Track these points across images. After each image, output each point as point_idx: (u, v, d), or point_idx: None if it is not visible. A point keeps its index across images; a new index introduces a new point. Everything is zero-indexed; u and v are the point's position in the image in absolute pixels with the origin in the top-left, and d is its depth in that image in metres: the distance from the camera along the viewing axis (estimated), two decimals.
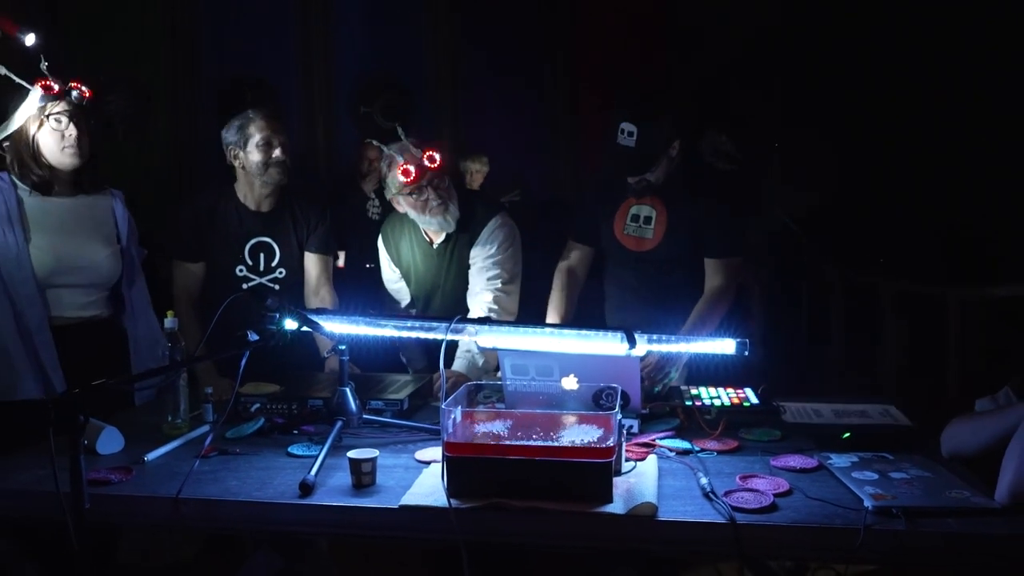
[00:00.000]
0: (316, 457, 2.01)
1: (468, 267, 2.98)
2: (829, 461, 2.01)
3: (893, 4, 4.66)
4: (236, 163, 2.87)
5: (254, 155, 2.83)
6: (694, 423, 2.34)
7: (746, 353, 2.00)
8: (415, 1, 6.65)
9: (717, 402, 2.54)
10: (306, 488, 1.88)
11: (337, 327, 2.13)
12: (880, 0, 4.71)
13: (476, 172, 5.67)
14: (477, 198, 3.22)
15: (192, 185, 6.31)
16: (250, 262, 2.90)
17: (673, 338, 2.07)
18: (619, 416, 1.86)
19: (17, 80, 2.48)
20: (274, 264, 2.94)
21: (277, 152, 2.83)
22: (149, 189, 5.59)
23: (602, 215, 2.98)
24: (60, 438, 1.60)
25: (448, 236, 2.97)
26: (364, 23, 6.77)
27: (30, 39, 2.59)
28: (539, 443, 1.81)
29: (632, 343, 2.00)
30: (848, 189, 4.55)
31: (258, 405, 2.45)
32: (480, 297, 2.92)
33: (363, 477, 1.92)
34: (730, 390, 2.66)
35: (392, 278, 3.13)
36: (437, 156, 2.80)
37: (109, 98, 6.20)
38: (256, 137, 2.82)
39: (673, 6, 5.71)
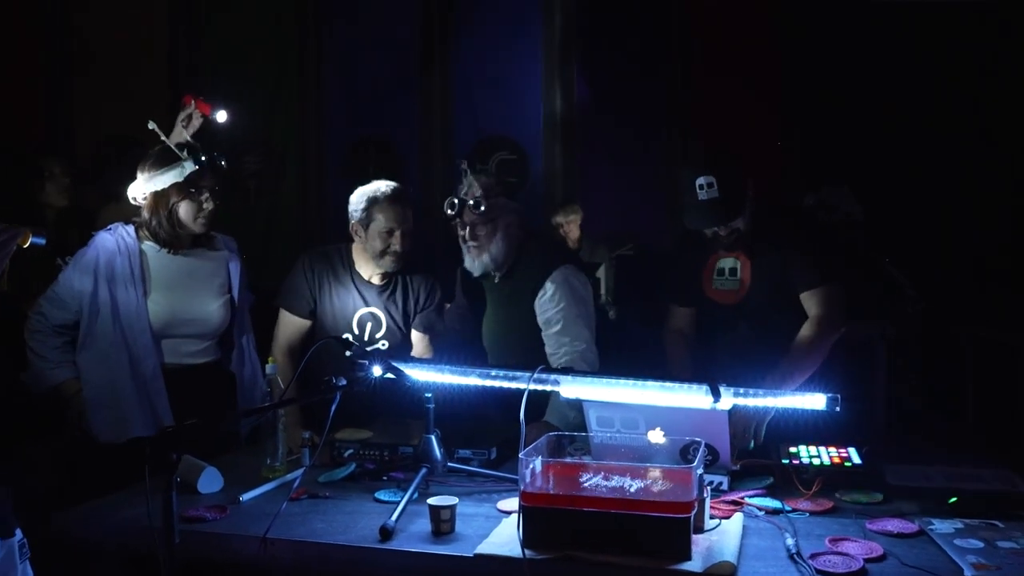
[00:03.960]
0: (399, 503, 2.04)
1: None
2: (931, 527, 1.89)
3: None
4: (355, 236, 2.91)
5: (374, 240, 2.85)
6: (789, 482, 2.25)
7: (837, 408, 1.91)
8: (532, 64, 6.80)
9: (816, 461, 2.44)
10: (386, 533, 1.91)
11: (423, 375, 2.17)
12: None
13: (568, 223, 5.54)
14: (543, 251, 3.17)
15: (318, 239, 6.60)
16: (356, 331, 2.95)
17: (760, 392, 2.01)
18: (700, 470, 1.81)
19: (175, 149, 2.68)
20: (379, 336, 2.96)
21: (396, 244, 2.84)
22: (277, 245, 5.89)
23: (692, 273, 2.94)
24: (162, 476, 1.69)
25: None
26: (482, 87, 6.94)
27: (222, 116, 2.93)
28: (615, 495, 1.78)
29: (716, 396, 1.95)
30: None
31: (351, 451, 2.51)
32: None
33: (442, 524, 1.94)
34: (832, 449, 2.55)
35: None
36: (483, 205, 2.87)
37: (246, 159, 6.59)
38: (379, 222, 2.83)
39: (787, 64, 5.63)
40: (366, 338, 2.95)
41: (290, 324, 2.97)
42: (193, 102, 2.86)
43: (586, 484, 1.86)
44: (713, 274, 2.90)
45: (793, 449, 2.56)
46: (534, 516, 1.81)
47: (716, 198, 2.70)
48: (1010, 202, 4.33)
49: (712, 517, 1.96)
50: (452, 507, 1.95)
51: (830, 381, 2.10)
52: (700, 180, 2.71)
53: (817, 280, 2.74)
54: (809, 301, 2.74)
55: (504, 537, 1.89)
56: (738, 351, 2.81)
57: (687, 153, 2.92)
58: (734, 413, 2.21)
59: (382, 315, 2.95)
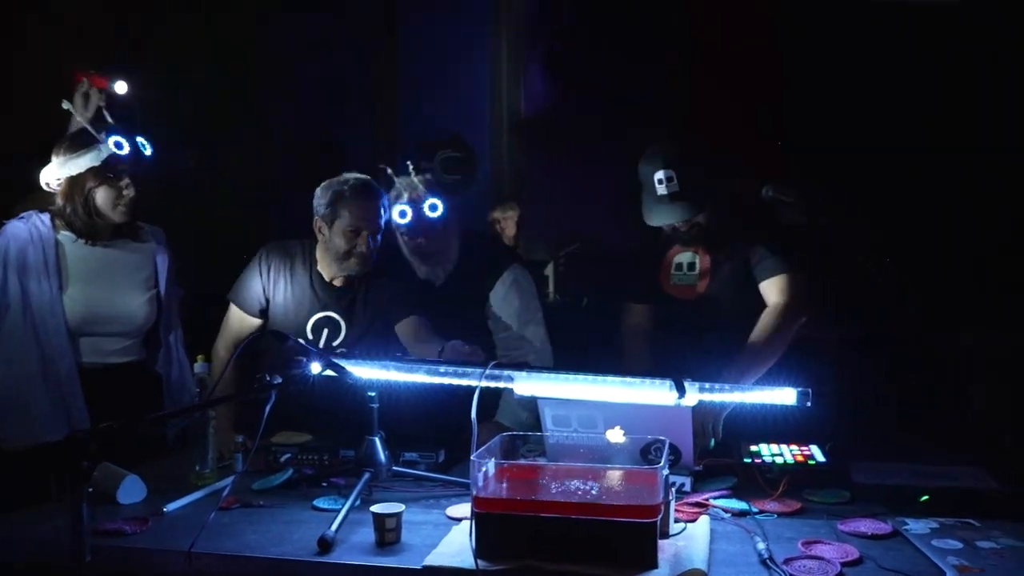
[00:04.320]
0: (340, 511, 1.87)
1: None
2: (905, 527, 1.79)
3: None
4: (319, 233, 2.65)
5: (338, 239, 2.58)
6: (753, 482, 2.14)
7: (808, 404, 1.81)
8: (480, 64, 6.65)
9: (779, 460, 2.34)
10: (325, 544, 1.74)
11: (366, 372, 2.01)
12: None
13: (505, 220, 5.39)
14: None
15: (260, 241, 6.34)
16: (311, 336, 2.67)
17: (726, 386, 1.89)
18: (666, 472, 1.68)
19: (91, 131, 2.47)
20: (337, 343, 2.68)
21: (363, 245, 2.57)
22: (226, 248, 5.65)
23: (649, 269, 2.84)
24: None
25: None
26: (429, 84, 6.77)
27: (121, 87, 2.66)
28: (576, 500, 1.65)
29: (681, 392, 1.83)
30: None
31: (288, 455, 2.34)
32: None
33: (387, 534, 1.78)
34: (794, 447, 2.46)
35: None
36: (440, 205, 2.69)
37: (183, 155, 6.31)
38: (345, 220, 2.56)
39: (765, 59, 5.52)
40: (322, 345, 2.71)
41: (238, 321, 2.74)
42: (86, 79, 2.61)
43: (543, 487, 1.72)
44: (671, 269, 2.80)
45: (754, 447, 2.46)
46: (487, 523, 1.67)
47: (676, 192, 2.60)
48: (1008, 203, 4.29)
49: (677, 520, 1.84)
50: (397, 515, 1.79)
51: (790, 378, 2.01)
52: (659, 174, 2.61)
53: (777, 268, 2.66)
54: (769, 289, 2.65)
55: (455, 546, 1.74)
56: (698, 347, 2.69)
57: (648, 148, 2.80)
58: (694, 410, 2.09)
59: (342, 322, 2.68)
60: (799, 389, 1.82)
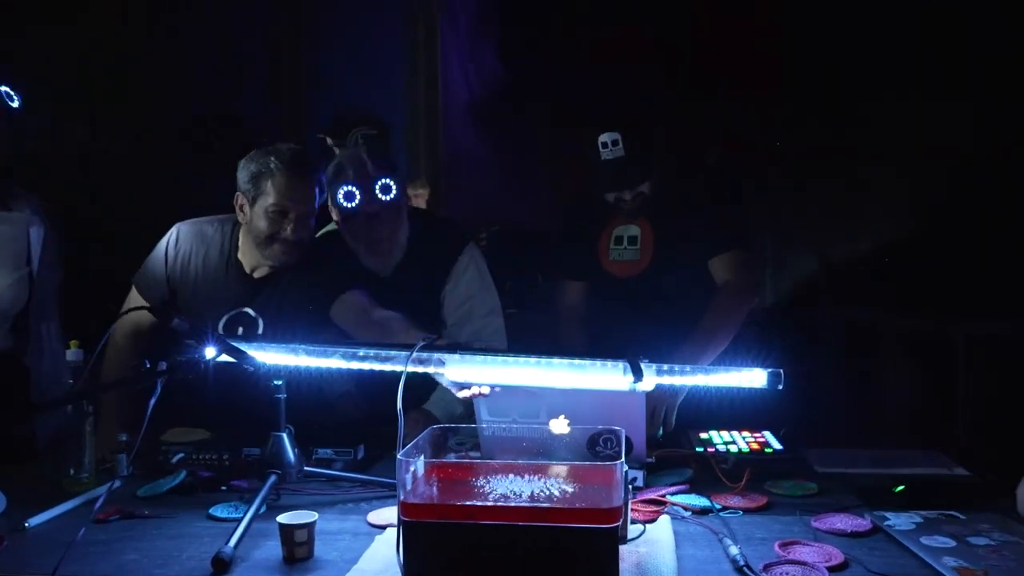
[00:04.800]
0: (240, 521, 1.58)
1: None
2: (887, 523, 1.60)
3: None
4: (239, 212, 2.28)
5: (260, 221, 2.21)
6: (708, 474, 1.94)
7: (780, 387, 1.60)
8: (393, 39, 6.31)
9: (733, 448, 2.15)
10: (220, 564, 1.45)
11: (271, 357, 1.72)
12: None
13: (415, 198, 5.11)
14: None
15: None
16: (222, 333, 2.27)
17: (688, 368, 1.67)
18: (625, 467, 1.45)
19: None
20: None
21: (289, 230, 2.20)
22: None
23: (586, 244, 2.61)
24: None
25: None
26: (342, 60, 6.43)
27: None
28: (520, 503, 1.40)
29: (637, 375, 1.60)
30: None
31: (182, 455, 2.03)
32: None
33: (296, 548, 1.50)
34: (746, 433, 2.27)
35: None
36: (394, 187, 2.35)
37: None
38: (269, 198, 2.19)
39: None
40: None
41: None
42: None
43: (481, 489, 1.47)
44: (610, 243, 2.58)
45: (704, 435, 2.27)
46: (417, 533, 1.40)
47: (621, 158, 2.38)
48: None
49: (634, 522, 1.61)
50: (309, 526, 1.51)
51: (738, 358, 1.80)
52: (604, 137, 2.38)
53: (727, 244, 2.47)
54: (719, 267, 2.46)
55: (379, 561, 1.47)
56: (640, 329, 2.48)
57: (590, 117, 2.57)
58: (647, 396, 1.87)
59: (260, 320, 2.24)
60: (770, 370, 1.61)
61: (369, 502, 1.83)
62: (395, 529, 1.45)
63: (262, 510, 1.72)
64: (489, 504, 1.40)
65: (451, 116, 6.38)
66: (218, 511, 1.75)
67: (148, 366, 1.50)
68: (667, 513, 1.70)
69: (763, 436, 2.25)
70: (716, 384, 1.64)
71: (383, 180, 2.34)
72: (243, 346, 1.66)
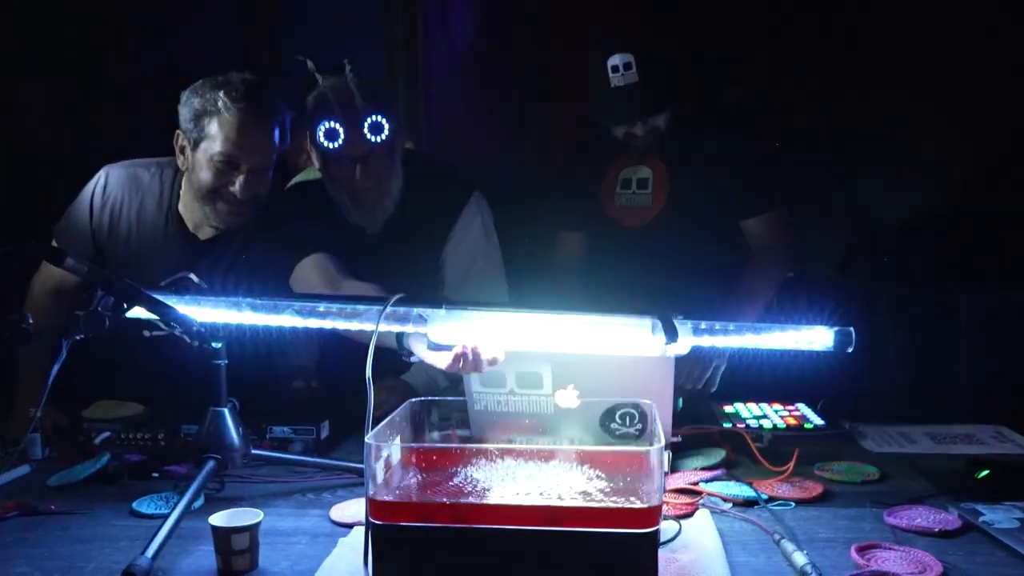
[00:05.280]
0: (165, 520, 1.23)
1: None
2: (982, 519, 1.27)
3: None
4: (179, 156, 1.86)
5: (203, 171, 1.80)
6: (742, 455, 1.61)
7: (850, 349, 1.27)
8: None
9: (766, 423, 1.82)
10: None
11: (206, 313, 1.36)
12: None
13: None
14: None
15: None
16: (132, 282, 1.91)
17: (732, 327, 1.34)
18: (665, 452, 1.11)
19: None
20: None
21: (237, 185, 1.79)
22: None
23: (587, 188, 2.26)
24: None
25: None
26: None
27: None
28: (528, 502, 1.06)
29: (671, 335, 1.26)
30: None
31: (107, 434, 1.68)
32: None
33: (234, 558, 1.15)
34: (777, 406, 1.95)
35: None
36: (385, 125, 1.95)
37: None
38: (214, 143, 1.77)
39: None
40: None
41: (55, 275, 1.91)
42: None
43: (475, 481, 1.13)
44: (616, 187, 2.22)
45: (729, 408, 1.94)
46: (390, 540, 1.07)
47: (635, 83, 2.03)
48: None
49: (665, 517, 1.28)
50: (252, 528, 1.17)
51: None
52: (614, 60, 2.03)
53: (765, 203, 2.15)
54: (756, 228, 2.15)
55: (341, 575, 1.14)
56: (648, 288, 2.15)
57: (594, 37, 2.20)
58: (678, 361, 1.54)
59: (204, 285, 1.90)
60: (838, 329, 1.28)
61: (334, 492, 1.49)
62: (363, 529, 1.11)
63: (197, 504, 1.38)
64: (485, 502, 1.06)
65: (433, 71, 5.97)
66: (144, 505, 1.40)
67: (30, 322, 1.15)
68: (703, 505, 1.37)
69: (797, 409, 1.93)
70: (768, 346, 1.31)
71: (373, 117, 1.94)
72: (169, 299, 1.30)
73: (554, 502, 1.06)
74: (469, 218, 2.13)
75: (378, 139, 1.95)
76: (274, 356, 2.17)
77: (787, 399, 1.99)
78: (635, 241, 2.23)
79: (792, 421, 1.84)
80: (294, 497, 1.47)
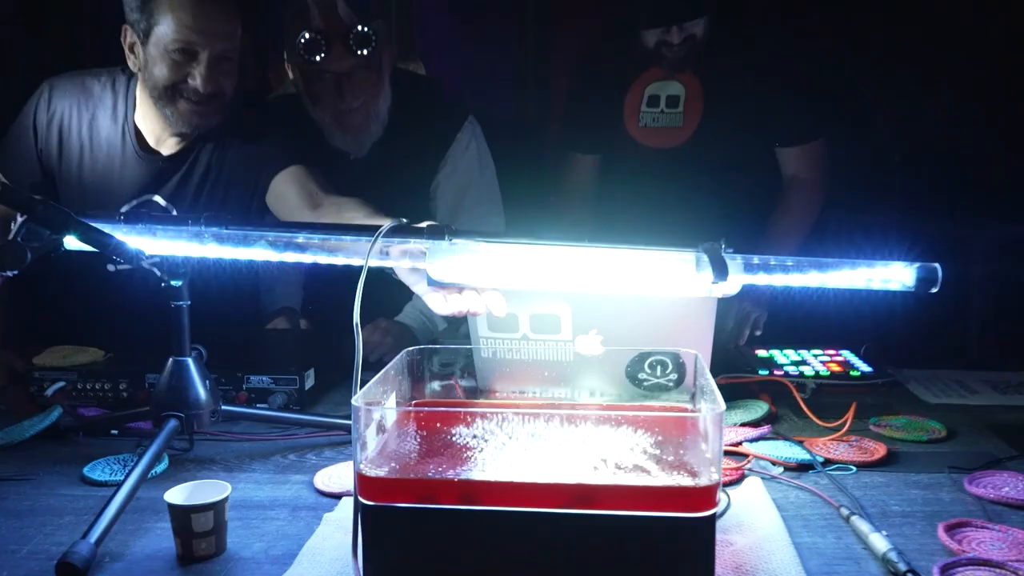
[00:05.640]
0: (115, 493, 1.03)
1: None
2: None
3: None
4: (129, 55, 1.62)
5: (158, 66, 1.56)
6: (784, 408, 1.42)
7: (935, 289, 1.06)
8: None
9: (807, 371, 1.62)
10: (69, 572, 0.91)
11: (161, 246, 1.14)
12: None
13: None
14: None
15: None
16: (58, 205, 1.67)
17: (791, 262, 1.12)
18: (721, 411, 0.90)
19: None
20: None
21: (199, 78, 1.55)
22: None
23: (608, 104, 2.02)
24: None
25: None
26: None
27: None
28: (553, 478, 0.86)
29: (720, 272, 1.05)
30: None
31: (62, 384, 1.47)
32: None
33: (196, 542, 0.95)
34: (817, 351, 1.75)
35: None
36: (373, 36, 1.73)
37: None
38: (168, 29, 1.53)
39: None
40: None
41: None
42: None
43: (485, 449, 0.93)
44: (641, 104, 1.99)
45: (762, 352, 1.74)
46: (384, 525, 0.86)
47: None
48: None
49: None
50: (217, 506, 0.96)
51: None
52: None
53: (807, 132, 1.92)
54: (793, 159, 1.93)
55: (325, 563, 0.94)
56: (677, 218, 1.93)
57: None
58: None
59: (172, 208, 1.69)
60: (919, 264, 1.06)
61: (319, 452, 1.29)
62: (352, 502, 0.91)
63: (159, 469, 1.19)
64: (499, 480, 0.86)
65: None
66: (96, 471, 1.20)
67: None
68: (751, 471, 1.17)
69: (839, 354, 1.73)
70: (834, 286, 1.09)
71: (360, 28, 1.71)
72: (114, 229, 1.07)
73: (586, 478, 0.85)
74: (462, 146, 1.94)
75: (364, 52, 1.73)
76: (259, 293, 1.98)
77: (824, 343, 1.79)
78: (659, 166, 2.01)
79: (836, 368, 1.63)
80: (273, 459, 1.27)
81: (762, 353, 1.73)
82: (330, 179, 1.69)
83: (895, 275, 1.06)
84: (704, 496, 0.83)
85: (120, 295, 1.62)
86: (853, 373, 1.61)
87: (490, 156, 2.01)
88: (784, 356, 1.71)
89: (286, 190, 1.64)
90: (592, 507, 0.83)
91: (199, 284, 1.21)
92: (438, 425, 0.96)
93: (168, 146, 1.69)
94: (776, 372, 1.60)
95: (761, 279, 1.09)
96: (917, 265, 1.06)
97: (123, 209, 1.64)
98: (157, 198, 1.68)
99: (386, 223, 1.09)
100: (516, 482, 0.85)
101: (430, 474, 0.87)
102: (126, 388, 1.47)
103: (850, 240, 1.74)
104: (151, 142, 1.69)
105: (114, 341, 1.60)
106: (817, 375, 1.60)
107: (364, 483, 0.86)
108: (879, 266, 1.07)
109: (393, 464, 0.89)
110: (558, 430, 0.95)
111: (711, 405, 0.90)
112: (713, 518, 0.83)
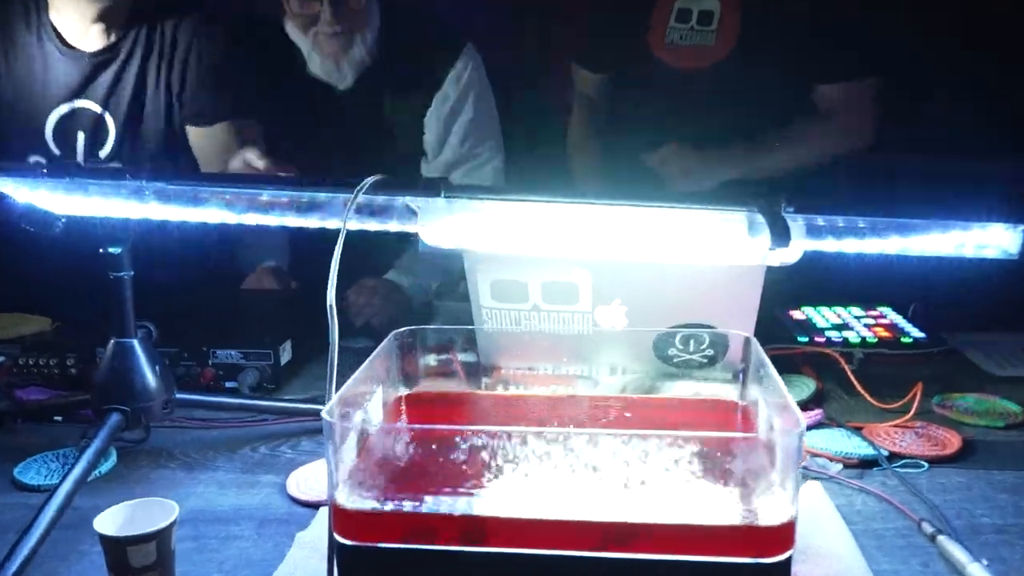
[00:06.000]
0: (45, 506, 0.84)
1: None
2: None
3: None
4: None
5: None
6: (828, 383, 1.24)
7: None
8: None
9: (851, 336, 1.42)
10: None
11: (93, 205, 0.93)
12: None
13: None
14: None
15: None
16: (56, 149, 1.55)
17: (863, 224, 0.92)
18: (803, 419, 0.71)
19: None
20: (104, 153, 1.57)
21: None
22: None
23: (630, 16, 1.78)
24: None
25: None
26: None
27: None
28: (578, 514, 0.67)
29: (780, 237, 0.84)
30: None
31: (1, 360, 1.28)
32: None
33: (133, 575, 0.77)
34: (857, 311, 1.55)
35: None
36: None
37: None
38: None
39: None
40: (79, 159, 1.56)
41: None
42: None
43: (496, 468, 0.73)
44: (670, 19, 1.74)
45: (798, 315, 1.54)
46: (369, 573, 0.68)
47: None
48: None
49: None
50: (159, 535, 0.77)
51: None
52: None
53: (855, 68, 1.69)
54: (834, 97, 1.70)
55: None
56: (705, 153, 1.73)
57: None
58: None
59: (107, 117, 1.54)
60: (1013, 223, 0.86)
61: (296, 443, 1.11)
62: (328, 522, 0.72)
63: (104, 468, 1.00)
64: (515, 516, 0.67)
65: None
66: (29, 473, 1.02)
67: None
68: (807, 471, 0.99)
69: (884, 316, 1.53)
70: (919, 252, 0.89)
71: None
72: (29, 182, 0.87)
73: (622, 518, 0.66)
74: (457, 76, 1.75)
75: None
76: (235, 251, 1.78)
77: (859, 300, 1.60)
78: (690, 89, 1.77)
79: (884, 333, 1.44)
80: (241, 453, 1.08)
81: (797, 315, 1.54)
82: (312, 114, 1.51)
83: (993, 239, 0.86)
84: (778, 537, 0.64)
85: (71, 257, 1.42)
86: (904, 340, 1.41)
87: (491, 91, 1.81)
88: (823, 318, 1.52)
89: (205, 146, 1.51)
90: (626, 549, 0.65)
91: (157, 243, 1.01)
92: (433, 409, 0.77)
93: (91, 41, 1.52)
94: (818, 339, 1.41)
95: (829, 245, 0.89)
96: (1013, 225, 0.86)
97: (51, 120, 1.50)
98: (88, 103, 1.52)
99: (368, 179, 0.88)
100: (532, 520, 0.67)
101: (424, 508, 0.68)
102: (75, 364, 1.27)
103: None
104: (72, 40, 1.52)
105: (64, 309, 1.40)
106: (864, 342, 1.40)
107: (341, 518, 0.68)
108: (975, 228, 0.87)
109: (377, 492, 0.70)
110: (571, 423, 0.76)
111: (792, 422, 0.71)
112: (788, 564, 0.65)
